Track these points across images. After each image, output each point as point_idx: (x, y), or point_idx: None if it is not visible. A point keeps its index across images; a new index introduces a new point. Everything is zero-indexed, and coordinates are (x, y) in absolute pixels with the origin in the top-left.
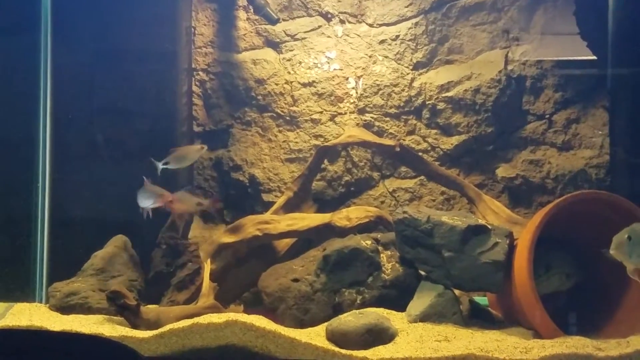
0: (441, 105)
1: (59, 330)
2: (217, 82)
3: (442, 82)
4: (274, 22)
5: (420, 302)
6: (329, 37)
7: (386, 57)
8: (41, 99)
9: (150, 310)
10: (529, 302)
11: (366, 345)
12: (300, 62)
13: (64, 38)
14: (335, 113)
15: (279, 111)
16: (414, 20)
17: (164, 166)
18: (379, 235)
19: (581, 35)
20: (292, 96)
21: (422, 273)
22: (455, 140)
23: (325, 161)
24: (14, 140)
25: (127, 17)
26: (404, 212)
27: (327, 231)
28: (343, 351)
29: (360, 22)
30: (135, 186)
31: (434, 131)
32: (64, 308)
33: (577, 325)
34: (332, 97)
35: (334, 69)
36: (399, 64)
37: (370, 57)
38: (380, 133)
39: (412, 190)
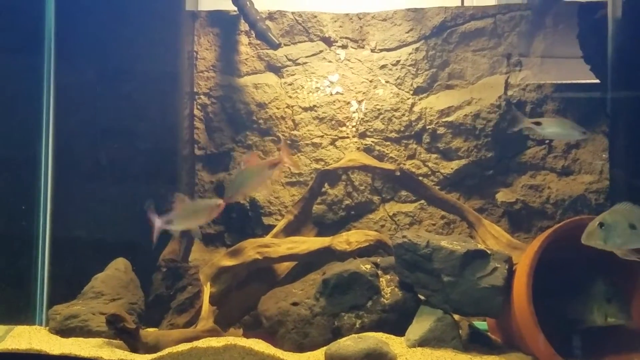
0: (441, 130)
1: (58, 354)
2: (219, 106)
3: (442, 107)
4: (275, 46)
5: (419, 326)
6: (330, 61)
7: (387, 81)
8: (44, 120)
9: (149, 333)
10: (528, 327)
11: None
12: (301, 87)
13: (67, 60)
14: (336, 137)
15: (280, 135)
16: (414, 46)
17: (166, 227)
18: (378, 259)
19: (584, 59)
20: (293, 120)
21: (422, 297)
22: (455, 164)
23: (326, 185)
24: (16, 161)
25: (129, 40)
26: (404, 237)
27: (327, 255)
28: None
29: (361, 47)
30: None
31: (434, 155)
32: (64, 331)
33: (579, 350)
34: (333, 122)
35: (335, 93)
36: (399, 88)
37: (371, 81)
38: (380, 157)
39: (412, 214)
